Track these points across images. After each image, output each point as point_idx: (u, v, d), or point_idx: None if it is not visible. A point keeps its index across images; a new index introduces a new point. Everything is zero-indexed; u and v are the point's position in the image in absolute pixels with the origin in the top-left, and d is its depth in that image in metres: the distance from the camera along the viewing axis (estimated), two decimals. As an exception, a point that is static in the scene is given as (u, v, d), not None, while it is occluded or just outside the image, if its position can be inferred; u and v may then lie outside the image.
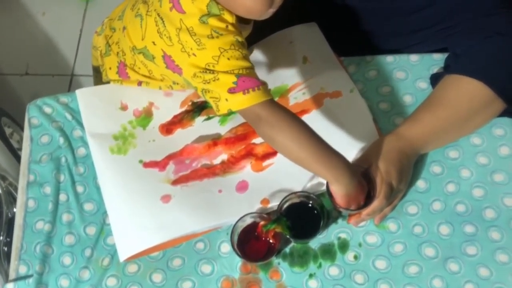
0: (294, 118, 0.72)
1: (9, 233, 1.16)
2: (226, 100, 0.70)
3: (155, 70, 0.83)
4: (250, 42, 0.95)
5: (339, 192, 0.73)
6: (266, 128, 0.71)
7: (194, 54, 0.71)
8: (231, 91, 0.69)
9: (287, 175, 0.82)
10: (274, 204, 0.80)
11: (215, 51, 0.70)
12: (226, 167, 0.85)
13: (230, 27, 0.72)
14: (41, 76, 1.78)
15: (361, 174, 0.76)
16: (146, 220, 0.81)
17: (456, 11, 0.82)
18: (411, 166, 0.80)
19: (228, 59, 0.70)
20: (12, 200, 1.22)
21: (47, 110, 0.93)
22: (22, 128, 1.04)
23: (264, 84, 0.71)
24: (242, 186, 0.83)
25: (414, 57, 0.91)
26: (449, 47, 0.87)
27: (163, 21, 0.73)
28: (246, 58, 0.72)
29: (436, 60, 0.90)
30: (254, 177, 0.84)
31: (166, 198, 0.83)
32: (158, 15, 0.74)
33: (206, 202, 0.82)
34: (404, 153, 0.78)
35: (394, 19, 0.89)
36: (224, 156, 0.86)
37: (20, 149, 0.93)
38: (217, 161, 0.86)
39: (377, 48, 0.94)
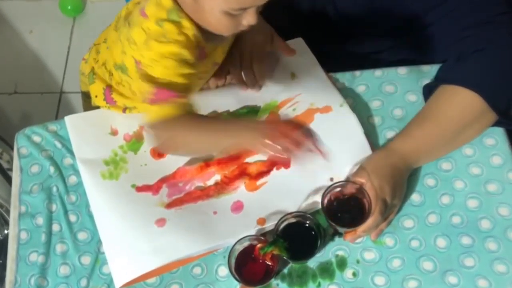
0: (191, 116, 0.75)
1: (1, 256, 1.14)
2: (145, 105, 0.73)
3: (133, 85, 0.83)
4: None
5: (252, 148, 0.79)
6: (164, 135, 0.75)
7: (141, 51, 0.73)
8: (150, 100, 0.72)
9: (281, 193, 0.82)
10: (270, 223, 0.80)
11: (155, 55, 0.71)
12: (220, 188, 0.84)
13: (181, 37, 0.72)
14: (30, 94, 1.77)
15: (356, 190, 0.76)
16: (141, 245, 0.80)
17: (459, 15, 0.81)
18: (405, 181, 0.80)
19: (164, 67, 0.71)
20: (3, 222, 1.20)
21: (36, 139, 0.91)
22: (11, 148, 1.03)
23: (183, 98, 0.73)
24: (237, 207, 0.83)
25: (402, 70, 0.91)
26: (446, 54, 0.86)
27: (130, 26, 0.75)
28: (181, 76, 0.72)
29: (425, 73, 0.90)
30: (249, 197, 0.83)
31: (160, 222, 0.82)
32: (129, 24, 0.76)
33: (201, 225, 0.81)
34: (397, 168, 0.78)
35: (385, 24, 0.89)
36: (217, 177, 0.85)
37: (10, 169, 0.92)
38: (210, 182, 0.85)
39: (367, 60, 0.94)
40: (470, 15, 0.80)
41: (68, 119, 0.91)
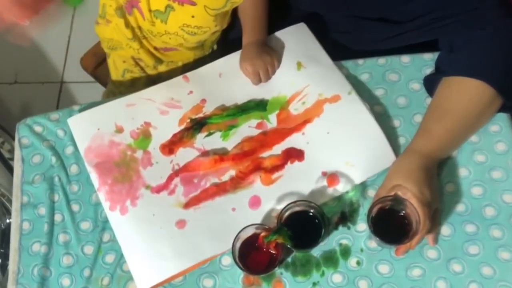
0: None
1: (3, 245, 1.15)
2: None
3: None
4: (240, 44, 0.93)
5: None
6: None
7: None
8: None
9: (297, 186, 0.82)
10: None
11: None
12: (236, 182, 0.83)
13: None
14: (30, 84, 1.77)
15: (392, 200, 0.74)
16: (164, 249, 0.79)
17: (446, 3, 0.81)
18: (436, 179, 0.79)
19: None
20: (5, 211, 1.20)
21: (38, 129, 0.91)
22: (12, 138, 1.03)
23: None
24: (255, 202, 0.82)
25: (405, 58, 0.90)
26: (440, 41, 0.86)
27: None
28: None
29: (427, 61, 0.89)
30: (265, 191, 0.82)
31: (181, 224, 0.81)
32: None
33: (221, 224, 0.80)
34: (428, 168, 0.76)
35: (381, 11, 0.87)
36: (232, 172, 0.84)
37: (11, 159, 0.91)
38: (225, 177, 0.84)
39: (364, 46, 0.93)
40: (456, 4, 0.80)
41: (71, 121, 0.89)
